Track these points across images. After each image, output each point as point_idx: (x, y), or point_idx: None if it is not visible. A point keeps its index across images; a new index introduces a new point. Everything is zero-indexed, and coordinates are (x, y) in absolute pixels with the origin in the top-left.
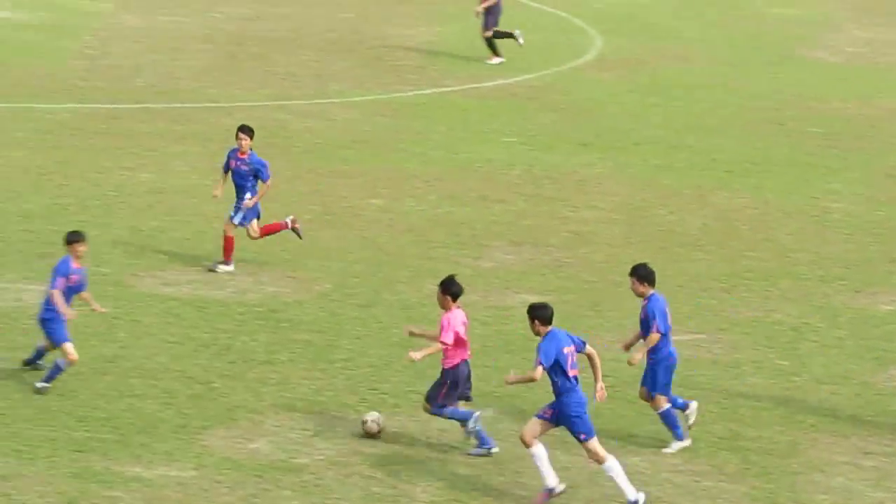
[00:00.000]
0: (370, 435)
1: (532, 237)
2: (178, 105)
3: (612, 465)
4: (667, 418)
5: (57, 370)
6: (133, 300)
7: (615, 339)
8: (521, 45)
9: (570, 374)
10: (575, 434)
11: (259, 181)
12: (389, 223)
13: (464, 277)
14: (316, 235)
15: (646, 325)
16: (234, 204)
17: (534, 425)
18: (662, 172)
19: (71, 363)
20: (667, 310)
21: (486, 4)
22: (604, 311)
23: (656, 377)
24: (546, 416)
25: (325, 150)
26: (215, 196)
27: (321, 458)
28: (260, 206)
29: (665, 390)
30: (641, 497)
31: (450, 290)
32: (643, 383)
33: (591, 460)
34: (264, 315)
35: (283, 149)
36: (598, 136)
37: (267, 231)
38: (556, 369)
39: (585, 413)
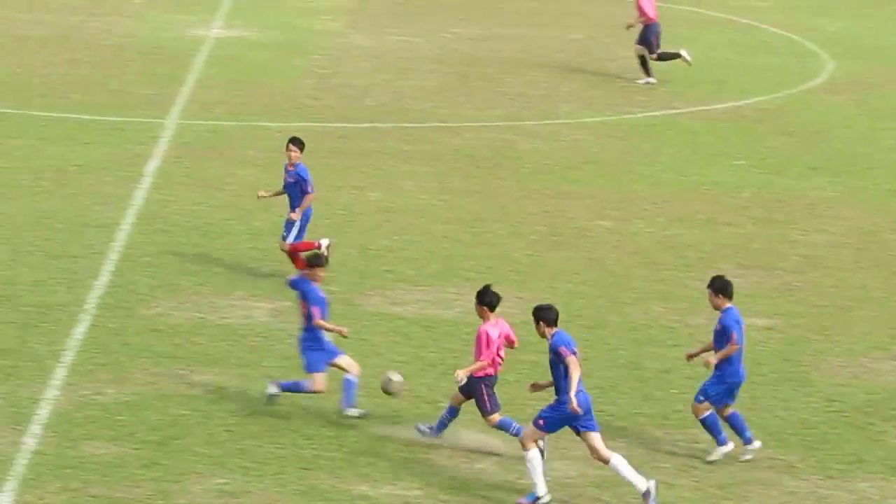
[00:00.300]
0: (390, 392)
1: (761, 260)
2: (408, 125)
3: (534, 455)
4: (708, 424)
5: (297, 387)
6: (361, 319)
7: (844, 363)
8: (690, 64)
9: None
10: (537, 417)
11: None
12: (617, 245)
13: (691, 300)
14: (543, 256)
15: (720, 338)
16: (284, 222)
17: (533, 431)
18: (894, 197)
19: (313, 391)
20: (742, 326)
21: (642, 19)
22: (833, 335)
23: (714, 388)
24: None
25: (553, 171)
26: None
27: (547, 479)
28: (297, 227)
29: (716, 401)
30: (546, 497)
31: (484, 299)
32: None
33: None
34: None
35: (511, 169)
36: (828, 160)
37: (296, 248)
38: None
39: (565, 415)
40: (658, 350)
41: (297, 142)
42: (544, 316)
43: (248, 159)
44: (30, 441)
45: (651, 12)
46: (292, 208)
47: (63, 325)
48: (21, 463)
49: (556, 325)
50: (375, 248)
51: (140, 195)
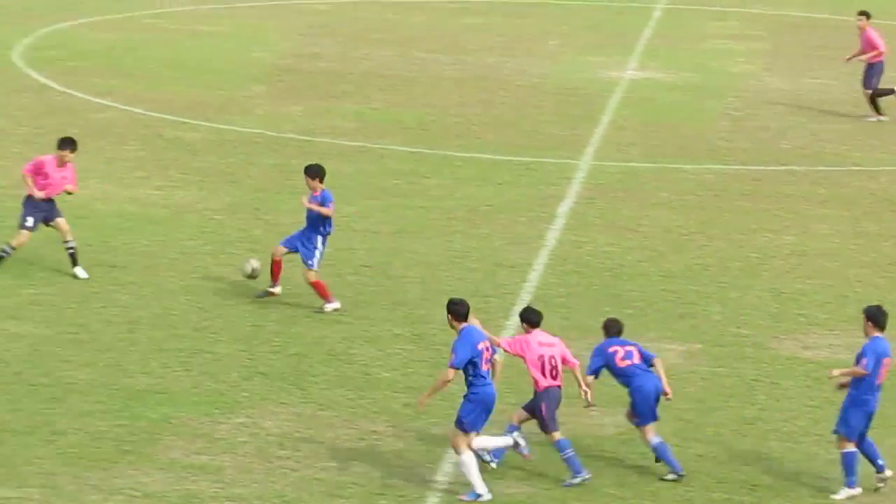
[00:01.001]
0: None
1: None
2: (823, 168)
3: (467, 459)
4: (846, 461)
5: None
6: (773, 363)
7: None
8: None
9: (483, 368)
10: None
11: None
12: None
13: None
14: None
15: (858, 363)
16: (304, 249)
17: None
18: None
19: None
20: (885, 359)
21: (868, 56)
22: None
23: (848, 417)
24: None
25: None
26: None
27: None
28: (321, 253)
29: (852, 434)
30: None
31: (524, 316)
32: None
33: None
34: None
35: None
36: None
37: (317, 287)
38: (469, 366)
39: (485, 410)
40: None
41: (315, 172)
42: (453, 310)
43: (661, 201)
44: (441, 479)
45: (882, 47)
46: (310, 232)
47: None
48: (432, 502)
49: (465, 319)
50: (789, 291)
51: (552, 236)
